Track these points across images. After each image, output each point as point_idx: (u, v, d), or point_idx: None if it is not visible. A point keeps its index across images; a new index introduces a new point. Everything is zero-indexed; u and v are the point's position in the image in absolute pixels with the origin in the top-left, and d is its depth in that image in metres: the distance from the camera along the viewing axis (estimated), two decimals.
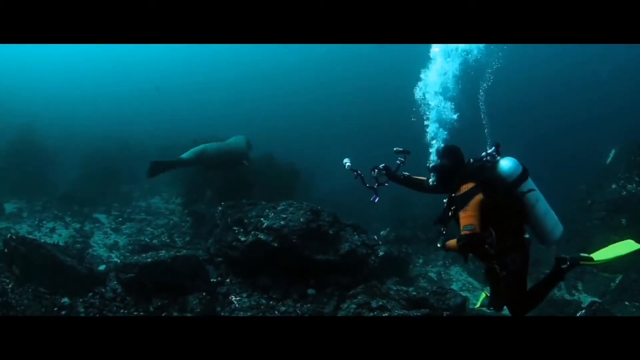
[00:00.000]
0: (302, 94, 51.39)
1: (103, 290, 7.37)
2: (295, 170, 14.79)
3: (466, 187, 4.70)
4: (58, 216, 14.23)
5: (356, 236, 8.38)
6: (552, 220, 5.05)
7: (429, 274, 13.02)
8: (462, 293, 11.83)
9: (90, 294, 7.27)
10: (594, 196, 15.31)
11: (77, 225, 13.77)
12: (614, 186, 14.89)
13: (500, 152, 4.97)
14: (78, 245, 11.87)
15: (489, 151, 5.00)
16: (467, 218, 4.57)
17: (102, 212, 15.37)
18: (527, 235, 4.96)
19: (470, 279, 13.82)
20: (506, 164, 4.83)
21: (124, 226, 14.43)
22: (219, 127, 21.36)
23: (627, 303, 10.83)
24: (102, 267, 9.08)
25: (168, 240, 12.79)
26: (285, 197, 8.62)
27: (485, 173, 4.84)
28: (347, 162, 5.64)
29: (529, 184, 4.86)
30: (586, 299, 11.95)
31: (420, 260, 14.36)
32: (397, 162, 5.61)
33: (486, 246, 4.60)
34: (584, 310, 6.45)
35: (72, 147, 21.02)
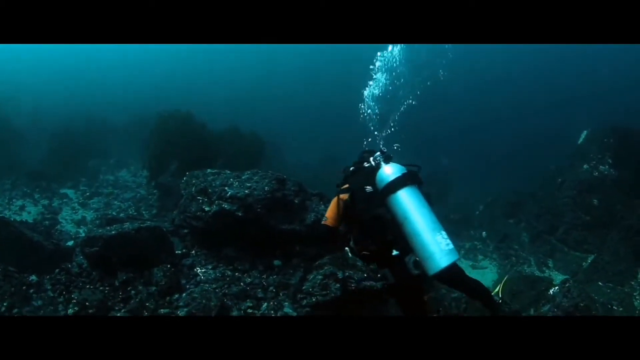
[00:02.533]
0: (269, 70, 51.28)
1: (69, 266, 7.20)
2: (260, 141, 14.77)
3: (342, 186, 5.09)
4: (27, 193, 14.17)
5: (322, 206, 8.16)
6: (427, 246, 4.44)
7: None
8: None
9: (57, 270, 7.10)
10: (565, 175, 15.40)
11: (46, 202, 13.73)
12: (585, 167, 14.97)
13: (389, 159, 5.04)
14: (46, 222, 11.83)
15: (376, 155, 5.12)
16: (327, 211, 5.03)
17: (69, 187, 15.34)
18: (395, 252, 4.68)
19: None
20: (385, 170, 4.79)
21: (92, 201, 14.41)
22: (187, 101, 21.05)
23: (600, 284, 10.87)
24: (70, 243, 8.94)
25: (135, 214, 12.65)
26: (251, 168, 8.38)
27: (355, 176, 5.10)
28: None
29: (412, 196, 4.64)
30: (557, 277, 12.05)
31: None
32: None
33: (351, 244, 4.92)
34: (557, 288, 6.39)
35: (41, 124, 20.83)
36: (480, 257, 14.10)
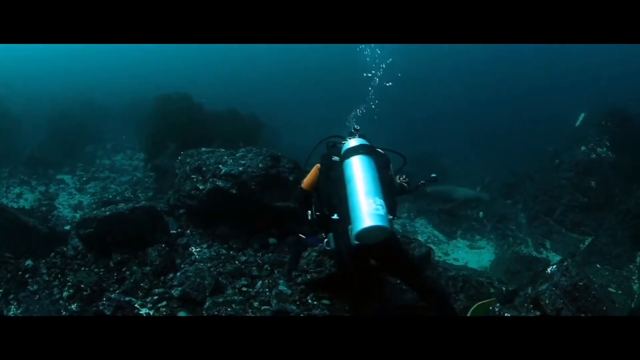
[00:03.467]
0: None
1: (65, 249, 7.18)
2: (258, 122, 14.77)
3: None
4: (24, 181, 14.23)
5: None
6: (356, 207, 4.53)
7: (394, 226, 13.08)
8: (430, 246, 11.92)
9: (53, 253, 7.12)
10: (562, 157, 15.37)
11: (43, 188, 13.79)
12: (583, 148, 14.94)
13: (358, 135, 5.39)
14: (43, 208, 11.82)
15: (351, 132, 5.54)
16: None
17: (66, 173, 15.38)
18: (335, 216, 4.87)
19: (435, 232, 13.93)
20: (350, 142, 5.12)
21: (88, 185, 14.45)
22: (186, 84, 20.96)
23: (598, 266, 10.86)
24: (67, 228, 8.91)
25: (131, 196, 12.63)
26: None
27: (332, 149, 5.39)
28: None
29: (362, 163, 4.83)
30: (554, 258, 12.05)
31: None
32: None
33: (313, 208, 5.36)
34: (554, 266, 6.31)
35: (37, 111, 20.75)
36: (477, 237, 14.05)
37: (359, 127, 5.52)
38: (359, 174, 4.71)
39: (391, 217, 4.73)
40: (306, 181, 5.56)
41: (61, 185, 14.27)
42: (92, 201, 12.83)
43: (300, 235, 5.90)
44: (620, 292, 9.47)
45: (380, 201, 4.49)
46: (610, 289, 9.43)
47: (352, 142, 5.09)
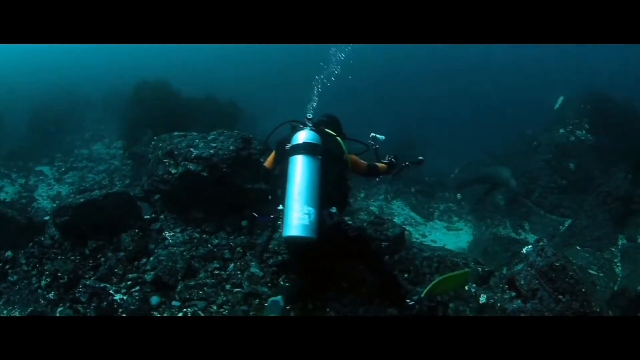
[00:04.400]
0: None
1: (42, 238, 7.19)
2: (236, 108, 14.78)
3: None
4: (4, 174, 14.13)
5: None
6: (288, 211, 4.87)
7: (371, 207, 13.10)
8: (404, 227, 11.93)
9: (31, 243, 7.16)
10: (540, 140, 15.43)
11: (23, 181, 13.76)
12: (561, 131, 15.03)
13: (310, 126, 5.52)
14: (24, 200, 11.84)
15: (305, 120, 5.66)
16: None
17: (45, 164, 15.33)
18: (280, 207, 5.16)
19: (412, 214, 13.97)
20: (299, 134, 5.28)
21: (67, 176, 14.47)
22: (168, 71, 20.83)
23: (578, 247, 10.94)
24: (47, 218, 8.92)
25: (108, 185, 12.60)
26: None
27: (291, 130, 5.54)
28: (374, 134, 6.10)
29: (303, 164, 5.01)
30: (533, 239, 12.05)
31: (362, 194, 14.46)
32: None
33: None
34: (530, 247, 6.31)
35: (17, 103, 20.57)
36: (455, 218, 14.11)
37: (311, 117, 5.62)
38: (297, 177, 4.93)
39: (334, 210, 5.15)
40: (268, 161, 5.98)
41: (40, 177, 14.34)
42: (71, 191, 12.81)
43: (253, 213, 5.93)
44: (601, 274, 9.51)
45: (308, 209, 4.75)
46: (590, 271, 9.46)
47: (301, 136, 5.20)
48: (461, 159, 18.58)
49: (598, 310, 5.54)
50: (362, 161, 5.86)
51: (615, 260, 10.28)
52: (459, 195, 15.42)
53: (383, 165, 6.17)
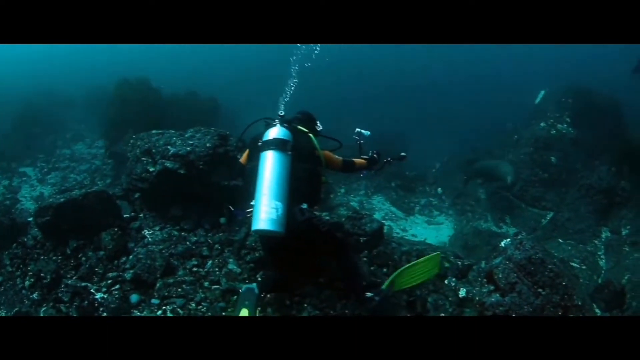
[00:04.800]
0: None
1: (25, 239, 7.25)
2: (216, 103, 14.80)
3: None
4: None
5: None
6: (257, 205, 4.98)
7: (351, 203, 13.12)
8: (385, 222, 11.89)
9: (14, 244, 7.24)
10: (521, 133, 15.48)
11: (7, 182, 13.72)
12: (542, 125, 15.06)
13: (282, 123, 5.49)
14: (7, 202, 11.82)
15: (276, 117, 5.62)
16: None
17: (28, 165, 15.29)
18: (253, 202, 5.20)
19: (393, 208, 13.98)
20: (270, 131, 5.36)
21: (49, 176, 14.43)
22: (148, 69, 20.71)
23: (560, 240, 10.93)
24: (30, 220, 8.94)
25: (89, 184, 12.59)
26: None
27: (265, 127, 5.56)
28: (359, 130, 6.21)
29: (273, 159, 5.11)
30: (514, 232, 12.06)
31: (342, 190, 14.47)
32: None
33: None
34: (508, 240, 6.32)
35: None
36: (435, 212, 14.13)
37: (283, 113, 5.61)
38: (266, 172, 5.02)
39: (305, 206, 5.20)
40: (243, 157, 5.97)
41: (23, 178, 14.33)
42: (53, 192, 12.78)
43: (230, 207, 6.00)
44: (584, 267, 9.46)
45: (276, 204, 4.85)
46: (573, 264, 9.42)
47: (271, 133, 5.29)
48: (442, 154, 18.64)
49: (580, 303, 5.56)
50: (336, 157, 5.87)
51: (599, 253, 10.25)
52: (439, 189, 15.45)
53: (361, 161, 6.19)
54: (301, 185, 5.24)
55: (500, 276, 5.73)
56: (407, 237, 11.41)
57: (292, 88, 6.15)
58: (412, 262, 6.02)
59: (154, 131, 8.28)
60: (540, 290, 5.54)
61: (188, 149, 7.42)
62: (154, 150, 7.71)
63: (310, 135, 5.66)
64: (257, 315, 5.20)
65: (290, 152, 5.19)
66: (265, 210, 4.82)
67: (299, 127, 5.71)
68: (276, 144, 5.15)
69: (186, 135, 7.85)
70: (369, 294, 5.44)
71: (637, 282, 7.75)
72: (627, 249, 9.93)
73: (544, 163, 13.99)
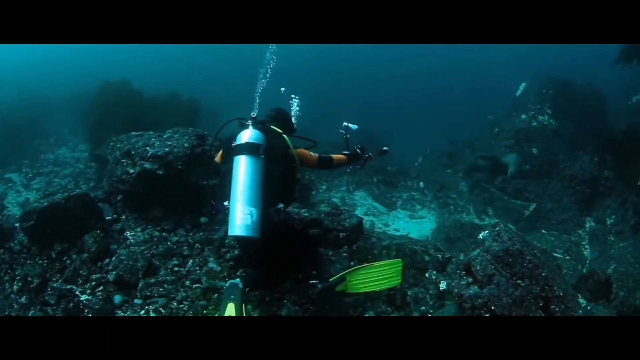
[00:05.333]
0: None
1: (12, 244, 7.32)
2: (198, 105, 14.85)
3: None
4: None
5: None
6: (232, 211, 5.08)
7: (333, 199, 13.15)
8: (366, 217, 11.93)
9: (1, 250, 7.30)
10: (502, 125, 15.57)
11: None
12: (523, 117, 15.18)
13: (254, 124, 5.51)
14: None
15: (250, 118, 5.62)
16: None
17: (13, 171, 15.25)
18: (226, 203, 5.32)
19: (375, 204, 14.01)
20: (243, 133, 5.34)
21: (34, 182, 14.41)
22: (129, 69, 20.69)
23: (543, 231, 11.03)
24: (17, 225, 8.98)
25: (72, 188, 12.59)
26: None
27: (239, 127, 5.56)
28: (346, 124, 6.24)
29: (246, 164, 5.14)
30: None
31: (324, 186, 14.51)
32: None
33: None
34: (487, 232, 6.33)
35: None
36: (418, 207, 14.17)
37: (255, 114, 5.63)
38: (239, 178, 5.09)
39: (281, 206, 5.33)
40: (218, 156, 6.01)
41: (9, 184, 14.37)
42: (38, 197, 12.81)
43: (212, 201, 6.06)
44: (568, 257, 9.53)
45: (250, 210, 4.95)
46: (556, 255, 9.47)
47: (244, 136, 5.30)
48: (424, 148, 18.69)
49: (561, 294, 5.60)
50: (312, 154, 5.89)
51: (584, 243, 10.36)
52: (421, 183, 15.49)
53: (341, 156, 6.21)
54: (275, 186, 5.30)
55: (477, 268, 5.71)
56: (389, 232, 11.45)
57: (263, 86, 6.16)
58: (369, 264, 5.97)
59: (133, 133, 8.33)
60: (519, 281, 5.54)
61: (166, 149, 7.49)
62: (133, 152, 7.76)
63: (284, 135, 5.67)
64: (243, 309, 5.25)
65: (262, 156, 5.22)
66: (240, 216, 4.92)
67: (272, 127, 5.73)
68: (248, 149, 5.18)
69: (164, 136, 7.92)
70: (313, 281, 5.57)
71: (623, 272, 7.78)
72: (612, 239, 9.99)
73: (526, 155, 14.08)
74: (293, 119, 6.25)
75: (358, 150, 6.32)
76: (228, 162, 5.38)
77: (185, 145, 7.58)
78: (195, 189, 7.68)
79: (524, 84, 17.19)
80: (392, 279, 5.85)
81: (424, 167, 17.32)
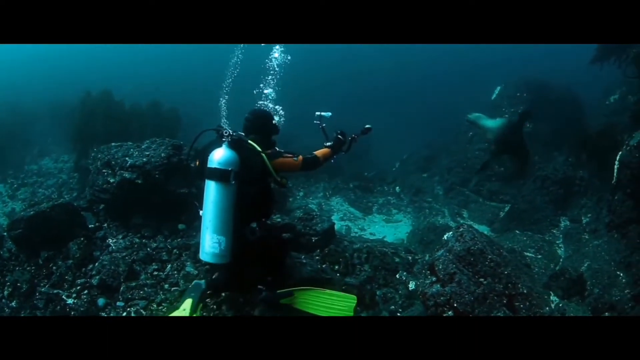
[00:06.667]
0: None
1: (1, 252, 7.63)
2: (177, 114, 15.01)
3: None
4: None
5: None
6: (202, 236, 5.19)
7: (310, 205, 13.25)
8: (342, 222, 12.15)
9: None
10: (476, 129, 15.68)
11: None
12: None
13: (231, 142, 5.25)
14: None
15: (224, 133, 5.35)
16: None
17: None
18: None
19: (351, 209, 14.12)
20: (215, 153, 5.17)
21: (19, 192, 14.47)
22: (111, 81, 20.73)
23: (517, 232, 11.17)
24: (5, 234, 9.16)
25: (56, 198, 12.76)
26: None
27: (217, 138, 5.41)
28: (319, 113, 6.20)
29: (215, 192, 5.11)
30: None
31: (301, 193, 14.63)
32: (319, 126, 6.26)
33: None
34: (451, 233, 6.50)
35: None
36: (394, 211, 14.30)
37: (227, 133, 5.25)
38: (210, 205, 5.11)
39: (255, 225, 5.45)
40: (197, 163, 5.81)
41: None
42: (24, 207, 12.95)
43: (196, 203, 5.81)
44: (539, 256, 9.57)
45: (219, 238, 5.06)
46: (527, 254, 9.48)
47: (216, 156, 5.13)
48: (400, 153, 19.04)
49: (525, 291, 5.81)
50: (295, 159, 5.57)
51: (558, 242, 10.36)
52: (397, 188, 15.61)
53: (324, 150, 6.04)
54: (250, 208, 5.32)
55: (440, 267, 5.88)
56: (365, 236, 11.58)
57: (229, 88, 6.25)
58: (321, 289, 6.07)
59: (113, 144, 8.60)
60: (481, 279, 5.72)
61: (144, 159, 7.82)
62: (113, 162, 8.07)
63: (263, 154, 5.34)
64: (198, 307, 5.42)
65: (234, 182, 5.07)
66: (209, 244, 5.05)
67: (250, 142, 5.39)
68: (218, 176, 5.06)
69: (143, 147, 8.27)
70: (260, 287, 5.78)
71: (597, 269, 7.72)
72: (586, 237, 9.92)
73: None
74: (275, 118, 5.99)
75: (339, 136, 6.17)
76: (202, 177, 5.29)
77: (162, 155, 7.94)
78: (173, 197, 8.01)
79: (498, 88, 17.26)
80: (344, 312, 5.90)
81: (401, 172, 17.53)
